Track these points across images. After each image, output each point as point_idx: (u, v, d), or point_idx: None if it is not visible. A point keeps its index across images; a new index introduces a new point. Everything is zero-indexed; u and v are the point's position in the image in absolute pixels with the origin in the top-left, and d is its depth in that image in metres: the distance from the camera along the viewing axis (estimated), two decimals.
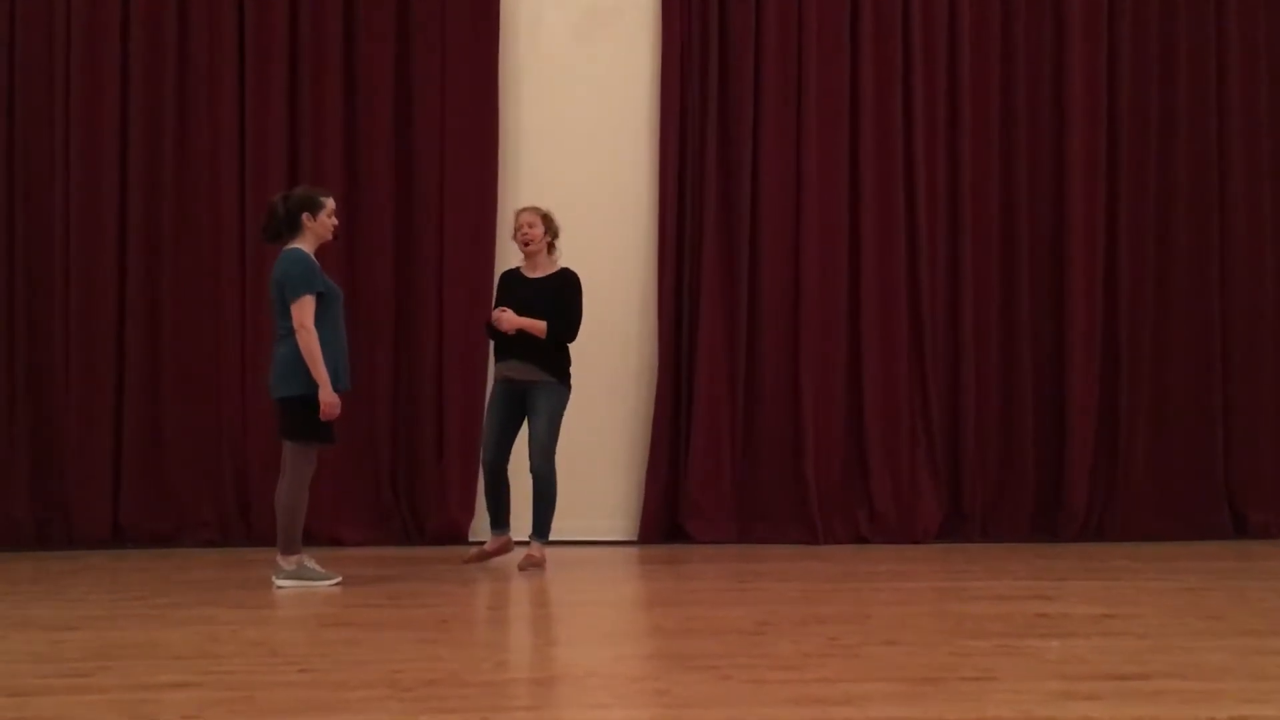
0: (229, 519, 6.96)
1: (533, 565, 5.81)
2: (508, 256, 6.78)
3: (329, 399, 5.11)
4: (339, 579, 5.28)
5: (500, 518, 5.95)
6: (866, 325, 7.33)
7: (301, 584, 5.20)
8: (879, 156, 7.40)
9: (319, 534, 6.69)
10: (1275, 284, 7.62)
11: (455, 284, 7.13)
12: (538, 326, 5.78)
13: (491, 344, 6.09)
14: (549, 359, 5.85)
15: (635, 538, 7.17)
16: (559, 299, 5.88)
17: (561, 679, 3.32)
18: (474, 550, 6.09)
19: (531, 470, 5.82)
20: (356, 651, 3.69)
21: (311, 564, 5.33)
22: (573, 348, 5.96)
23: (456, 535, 6.93)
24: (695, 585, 5.60)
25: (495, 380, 6.01)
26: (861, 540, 7.16)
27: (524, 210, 6.05)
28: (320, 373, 5.09)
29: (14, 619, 4.38)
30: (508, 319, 5.76)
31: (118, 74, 7.03)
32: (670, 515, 7.21)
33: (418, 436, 7.13)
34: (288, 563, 5.23)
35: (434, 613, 4.57)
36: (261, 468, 6.69)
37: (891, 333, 7.36)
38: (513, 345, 5.84)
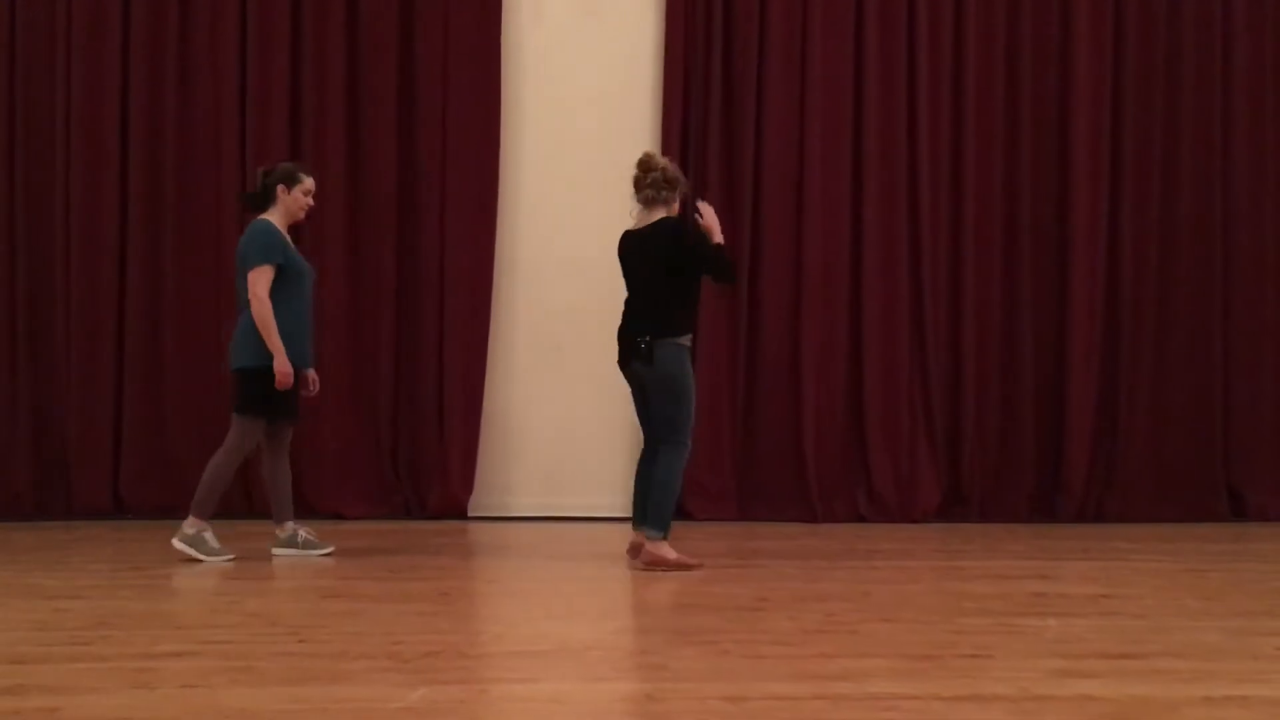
0: (228, 491, 6.95)
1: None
2: (510, 233, 6.77)
3: (283, 368, 5.01)
4: (330, 549, 5.33)
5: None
6: (868, 306, 7.34)
7: (298, 553, 5.27)
8: (883, 135, 7.39)
9: (321, 508, 6.71)
10: (1276, 269, 7.62)
11: (457, 259, 7.12)
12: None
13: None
14: None
15: None
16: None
17: (560, 652, 3.32)
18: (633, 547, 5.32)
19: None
20: (356, 623, 3.69)
21: (306, 534, 5.38)
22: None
23: (457, 510, 6.95)
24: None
25: (688, 351, 5.15)
26: (860, 520, 7.19)
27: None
28: (274, 342, 5.00)
29: (16, 587, 4.39)
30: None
31: (119, 47, 7.03)
32: None
33: (419, 412, 7.14)
34: (191, 525, 5.14)
35: (433, 586, 4.58)
36: None
37: (892, 314, 7.36)
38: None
